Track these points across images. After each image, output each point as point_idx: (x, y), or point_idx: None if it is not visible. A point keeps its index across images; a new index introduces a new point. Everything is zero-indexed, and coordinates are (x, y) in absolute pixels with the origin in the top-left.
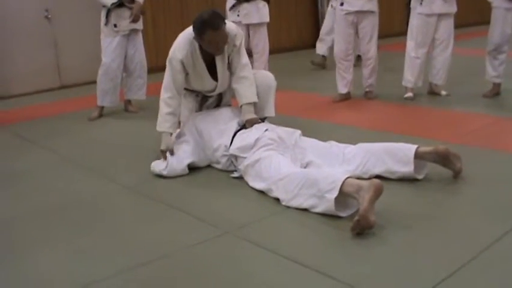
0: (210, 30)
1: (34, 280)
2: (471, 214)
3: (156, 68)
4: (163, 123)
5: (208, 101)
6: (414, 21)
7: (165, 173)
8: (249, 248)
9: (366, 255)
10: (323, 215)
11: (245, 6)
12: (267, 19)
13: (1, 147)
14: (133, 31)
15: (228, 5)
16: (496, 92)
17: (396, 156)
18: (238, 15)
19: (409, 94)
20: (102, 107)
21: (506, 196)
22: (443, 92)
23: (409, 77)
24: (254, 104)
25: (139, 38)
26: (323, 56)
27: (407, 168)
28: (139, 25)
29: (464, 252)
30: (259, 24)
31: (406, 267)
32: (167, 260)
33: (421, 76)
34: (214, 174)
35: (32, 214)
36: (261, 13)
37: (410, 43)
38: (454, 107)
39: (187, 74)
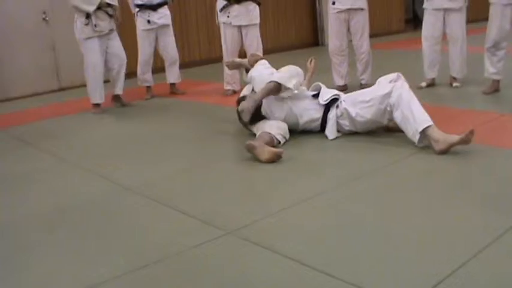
0: None
1: (37, 282)
2: (473, 211)
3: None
4: None
5: None
6: (424, 16)
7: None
8: (250, 248)
9: (369, 253)
10: (324, 213)
11: (235, 7)
12: (258, 20)
13: (1, 151)
14: (111, 30)
15: (219, 6)
16: (495, 88)
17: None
18: (228, 17)
19: (422, 83)
20: (100, 103)
21: (507, 192)
22: (455, 84)
23: (424, 67)
24: None
25: (117, 36)
26: None
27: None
28: (114, 25)
29: (467, 249)
30: (250, 26)
31: (409, 264)
32: (169, 261)
33: (432, 68)
34: (212, 174)
35: (34, 216)
36: (251, 15)
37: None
38: (454, 104)
39: None
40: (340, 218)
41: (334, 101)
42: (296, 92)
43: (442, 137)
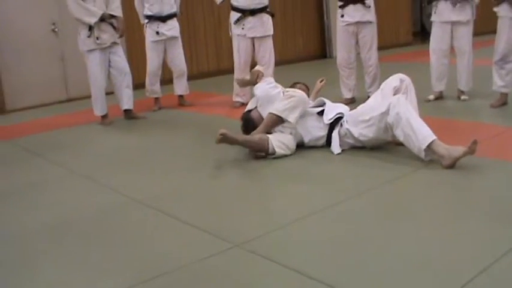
0: None
1: None
2: (481, 225)
3: (165, 80)
4: None
5: None
6: (432, 29)
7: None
8: (258, 261)
9: (376, 267)
10: (333, 226)
11: (250, 19)
12: (271, 32)
13: (9, 161)
14: (114, 43)
15: (233, 18)
16: (503, 101)
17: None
18: (243, 29)
19: (430, 96)
20: (106, 114)
21: None
22: (462, 97)
23: (432, 80)
24: None
25: (121, 50)
26: None
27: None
28: (117, 38)
29: (475, 263)
30: (264, 37)
31: (418, 279)
32: (176, 274)
33: (440, 81)
34: (220, 187)
35: (42, 227)
36: (265, 26)
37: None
38: (461, 117)
39: None
40: (348, 232)
41: (338, 119)
42: (295, 124)
43: (447, 152)
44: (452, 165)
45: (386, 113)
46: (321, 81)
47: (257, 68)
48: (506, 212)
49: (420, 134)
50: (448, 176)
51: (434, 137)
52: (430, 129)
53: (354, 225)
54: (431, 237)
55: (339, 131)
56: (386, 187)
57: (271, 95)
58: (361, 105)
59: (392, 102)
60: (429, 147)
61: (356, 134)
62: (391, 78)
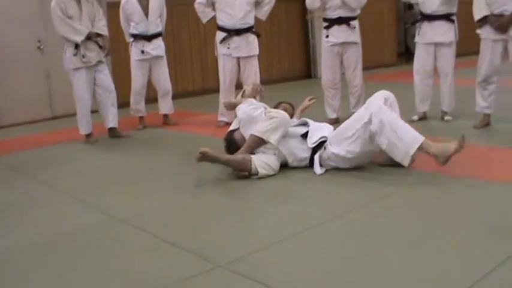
0: None
1: None
2: (466, 243)
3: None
4: None
5: None
6: (415, 50)
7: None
8: (240, 281)
9: (367, 285)
10: (316, 247)
11: (235, 39)
12: (257, 52)
13: None
14: (100, 62)
15: (218, 38)
16: (486, 122)
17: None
18: (228, 48)
19: (414, 117)
20: (91, 133)
21: (498, 224)
22: (446, 117)
23: (416, 101)
24: None
25: (106, 69)
26: None
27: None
28: (103, 56)
29: (462, 280)
30: (250, 57)
31: None
32: None
33: (424, 102)
34: (203, 207)
35: (24, 247)
36: (250, 46)
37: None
38: (445, 137)
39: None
40: (332, 253)
41: (321, 142)
42: (277, 145)
43: (438, 151)
44: (446, 163)
45: (369, 122)
46: (310, 100)
47: (254, 83)
48: (489, 230)
49: (406, 139)
50: (431, 194)
51: (422, 139)
52: (416, 132)
53: (337, 245)
54: (417, 255)
55: (321, 154)
56: (370, 206)
57: (253, 117)
58: (344, 122)
59: (374, 111)
60: (420, 149)
61: (342, 153)
62: (375, 95)
